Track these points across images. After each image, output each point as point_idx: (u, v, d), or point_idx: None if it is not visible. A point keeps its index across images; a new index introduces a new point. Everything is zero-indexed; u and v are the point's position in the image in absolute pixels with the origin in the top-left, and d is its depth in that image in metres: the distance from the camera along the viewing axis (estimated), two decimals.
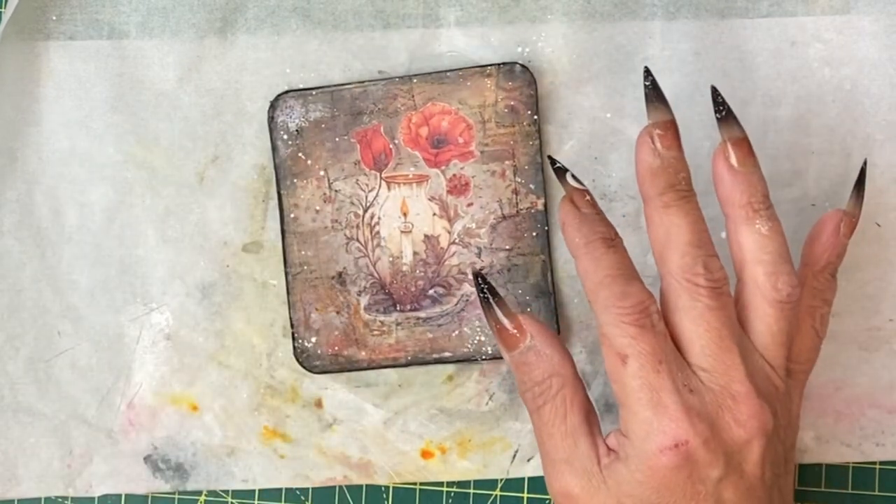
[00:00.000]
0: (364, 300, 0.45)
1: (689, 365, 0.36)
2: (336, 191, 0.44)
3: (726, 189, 0.38)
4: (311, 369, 0.45)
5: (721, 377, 0.36)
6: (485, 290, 0.38)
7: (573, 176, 0.39)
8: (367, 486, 0.46)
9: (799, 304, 0.38)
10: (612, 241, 0.38)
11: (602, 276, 0.37)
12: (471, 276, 0.39)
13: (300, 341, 0.45)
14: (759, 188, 0.37)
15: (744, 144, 0.38)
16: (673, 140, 0.37)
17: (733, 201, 0.37)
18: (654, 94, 0.38)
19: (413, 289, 0.45)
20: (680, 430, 0.35)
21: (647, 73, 0.38)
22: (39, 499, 0.46)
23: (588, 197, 0.38)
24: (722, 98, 0.38)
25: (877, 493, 0.46)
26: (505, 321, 0.38)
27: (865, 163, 0.41)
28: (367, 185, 0.44)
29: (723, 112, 0.38)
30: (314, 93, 0.44)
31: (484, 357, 0.44)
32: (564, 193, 0.39)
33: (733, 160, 0.38)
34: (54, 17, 0.45)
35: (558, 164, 0.39)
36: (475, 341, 0.44)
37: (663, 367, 0.35)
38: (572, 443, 0.37)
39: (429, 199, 0.44)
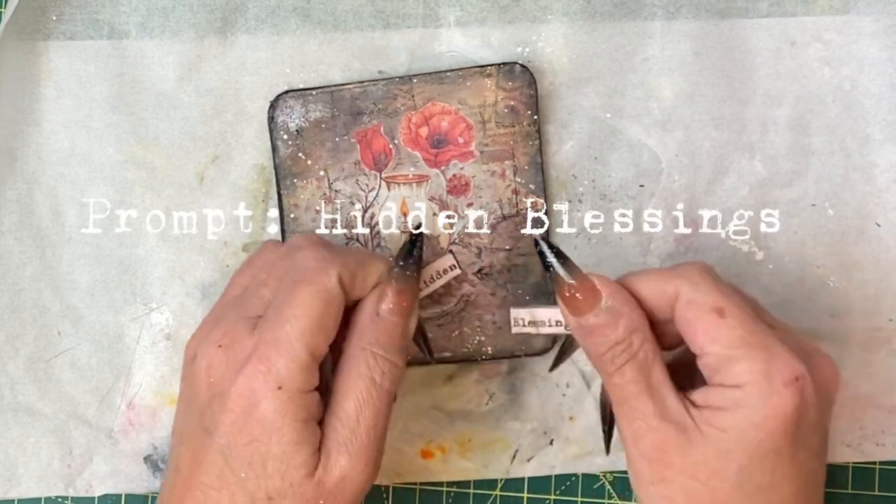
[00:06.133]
0: None
1: None
2: (336, 191, 0.44)
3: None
4: None
5: (791, 331, 0.37)
6: (552, 254, 0.37)
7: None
8: None
9: None
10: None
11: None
12: (535, 243, 0.38)
13: None
14: None
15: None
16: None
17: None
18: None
19: None
20: (795, 364, 0.34)
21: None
22: (39, 499, 0.46)
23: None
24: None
25: (877, 493, 0.46)
26: (577, 284, 0.37)
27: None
28: (367, 185, 0.44)
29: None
30: (314, 93, 0.44)
31: (484, 357, 0.44)
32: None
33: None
34: (54, 17, 0.45)
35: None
36: (475, 341, 0.44)
37: (754, 314, 0.36)
38: (661, 398, 0.36)
39: (429, 199, 0.44)
